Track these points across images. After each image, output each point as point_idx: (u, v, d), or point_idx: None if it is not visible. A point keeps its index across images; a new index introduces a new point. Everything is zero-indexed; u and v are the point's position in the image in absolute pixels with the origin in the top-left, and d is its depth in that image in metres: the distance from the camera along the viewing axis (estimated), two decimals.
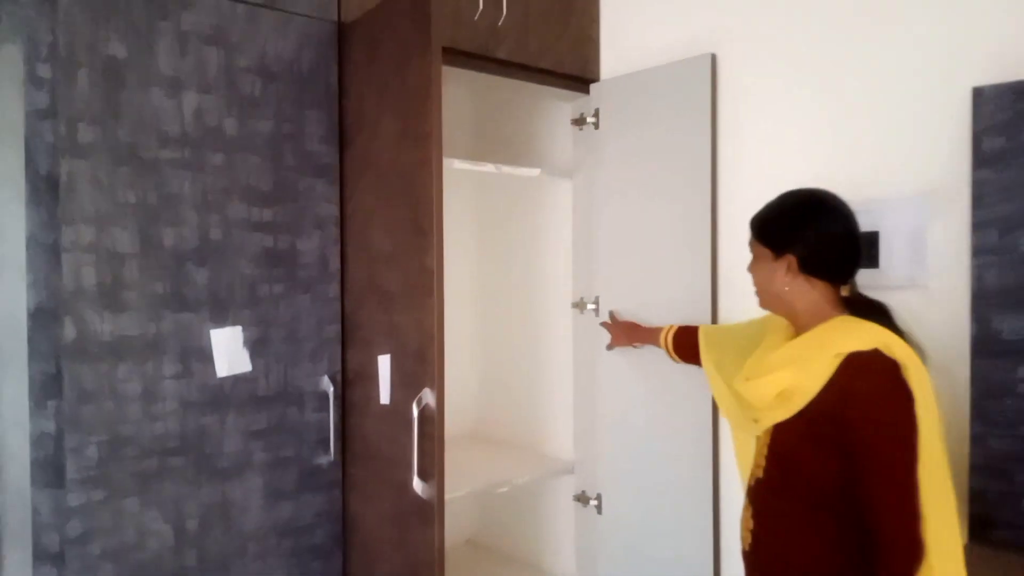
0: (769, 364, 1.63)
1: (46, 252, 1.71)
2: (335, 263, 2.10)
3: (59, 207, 1.70)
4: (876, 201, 1.99)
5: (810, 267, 1.59)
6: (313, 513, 2.06)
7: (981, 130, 1.80)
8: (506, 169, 2.56)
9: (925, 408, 1.46)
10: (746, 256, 1.83)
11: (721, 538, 2.27)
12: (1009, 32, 1.79)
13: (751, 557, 1.66)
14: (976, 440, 1.80)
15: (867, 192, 2.01)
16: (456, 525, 3.16)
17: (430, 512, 1.74)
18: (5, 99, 1.73)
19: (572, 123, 2.72)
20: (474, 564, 2.99)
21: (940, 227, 1.91)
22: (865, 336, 1.50)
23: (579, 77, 2.63)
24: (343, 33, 2.10)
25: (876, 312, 1.61)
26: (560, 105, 2.80)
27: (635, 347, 2.45)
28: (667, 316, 2.35)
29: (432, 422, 1.75)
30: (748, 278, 1.74)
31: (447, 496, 2.28)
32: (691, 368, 2.17)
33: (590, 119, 2.63)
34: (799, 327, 1.64)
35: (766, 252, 1.64)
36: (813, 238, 1.59)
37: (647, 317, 2.43)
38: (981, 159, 1.80)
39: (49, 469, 1.71)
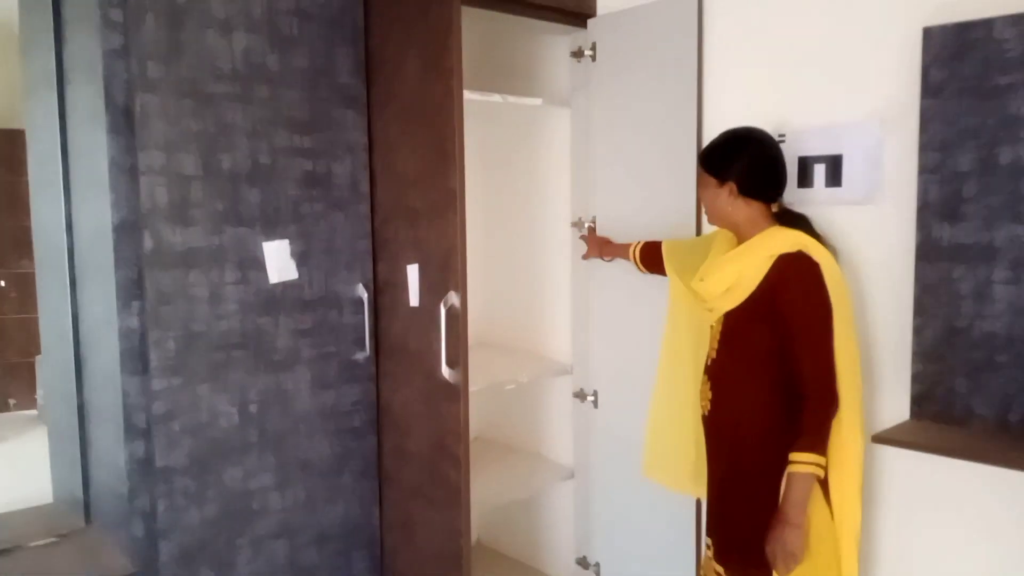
0: (718, 265, 2.07)
1: (125, 174, 1.99)
2: (364, 185, 2.39)
3: (135, 135, 1.98)
4: (840, 126, 2.28)
5: (747, 190, 2.02)
6: (352, 400, 2.40)
7: (928, 64, 2.08)
8: (511, 99, 2.83)
9: (835, 295, 1.93)
10: None
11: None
12: None
13: (709, 419, 2.08)
14: (917, 331, 2.13)
15: (832, 119, 2.29)
16: None
17: (456, 393, 2.08)
18: (85, 41, 1.99)
19: (571, 55, 2.96)
20: (482, 456, 3.35)
21: (893, 149, 2.20)
22: (791, 241, 1.95)
23: (577, 12, 2.86)
24: None
25: (800, 222, 2.06)
26: (560, 39, 3.04)
27: (605, 260, 2.78)
28: (656, 233, 2.64)
29: (457, 319, 2.07)
30: None
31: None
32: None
33: (587, 52, 2.88)
34: (740, 237, 2.07)
35: (711, 180, 2.07)
36: (747, 168, 2.02)
37: (639, 234, 2.72)
38: (927, 89, 2.08)
39: (136, 359, 2.03)
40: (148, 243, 2.00)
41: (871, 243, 2.24)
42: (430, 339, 2.17)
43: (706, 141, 2.56)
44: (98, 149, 1.98)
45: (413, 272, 2.23)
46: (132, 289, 2.01)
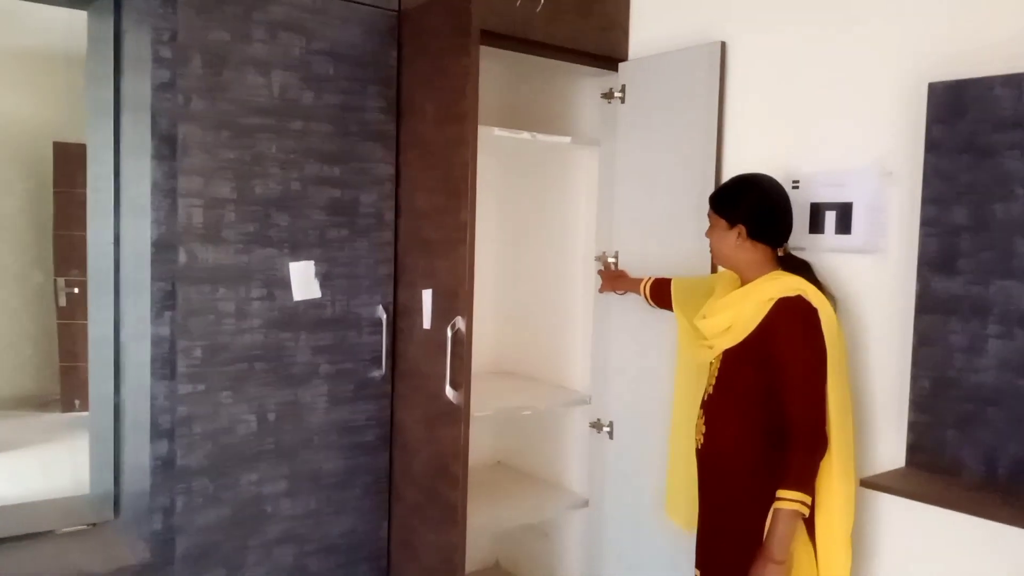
0: (721, 306, 2.14)
1: (166, 196, 2.19)
2: (389, 215, 2.54)
3: (176, 162, 2.17)
4: (850, 176, 2.33)
5: (755, 234, 2.09)
6: (366, 417, 2.54)
7: (932, 120, 2.13)
8: (540, 137, 2.96)
9: (831, 341, 1.98)
10: None
11: None
12: (959, 34, 2.11)
13: (701, 453, 2.13)
14: (913, 379, 2.16)
15: (843, 168, 2.35)
16: (487, 448, 3.63)
17: (458, 414, 2.19)
18: (138, 75, 2.20)
19: (601, 96, 3.08)
20: (502, 481, 3.45)
21: (899, 201, 2.25)
22: (791, 285, 2.01)
23: (608, 56, 2.98)
24: (401, 21, 2.51)
25: (802, 267, 2.12)
26: (591, 81, 3.16)
27: (618, 294, 2.87)
28: (675, 269, 2.71)
29: (462, 343, 2.19)
30: None
31: (477, 414, 2.75)
32: None
33: (617, 94, 2.99)
34: (744, 279, 2.14)
35: (721, 222, 2.14)
36: (758, 212, 2.09)
37: (658, 269, 2.80)
38: (930, 144, 2.13)
39: (165, 365, 2.21)
40: (182, 259, 2.18)
41: (875, 291, 2.28)
42: (438, 362, 2.29)
43: None
44: (143, 172, 2.18)
45: (427, 297, 2.37)
46: (165, 301, 2.19)
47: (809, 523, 2.03)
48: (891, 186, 2.26)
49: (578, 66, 2.97)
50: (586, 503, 3.14)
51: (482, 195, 3.26)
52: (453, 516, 2.23)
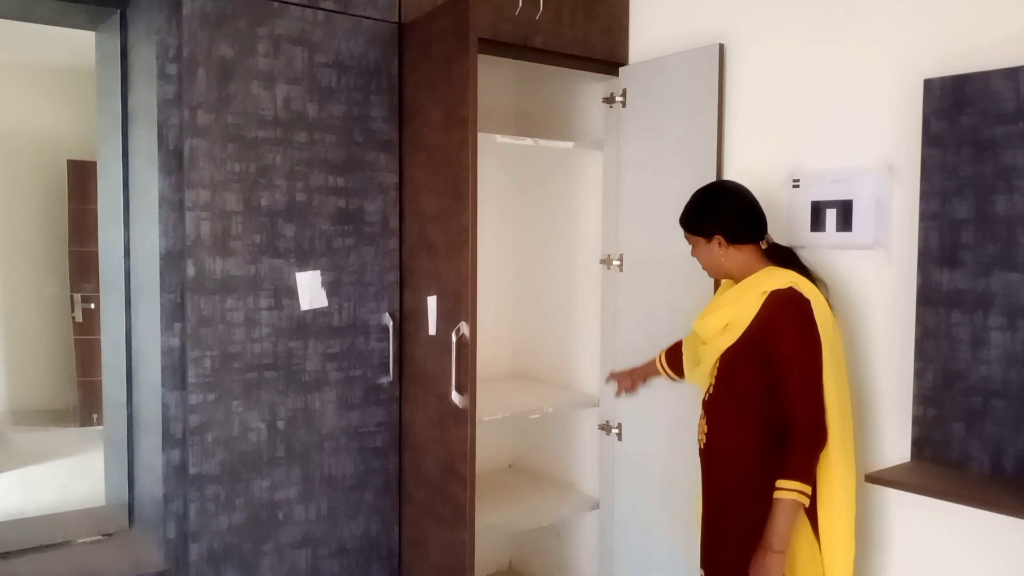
0: (716, 305, 2.19)
1: (173, 209, 2.23)
2: (394, 222, 2.58)
3: (183, 175, 2.22)
4: (850, 173, 2.35)
5: (734, 238, 2.13)
6: (375, 421, 2.57)
7: (929, 115, 2.14)
8: (543, 142, 2.99)
9: (825, 330, 2.01)
10: None
11: None
12: (955, 31, 2.12)
13: (705, 451, 2.15)
14: (917, 374, 2.17)
15: (843, 165, 2.37)
16: (499, 451, 3.65)
17: (464, 417, 2.22)
18: (145, 90, 2.25)
19: (603, 101, 3.11)
20: (515, 483, 3.47)
21: (899, 196, 2.26)
22: (782, 278, 2.06)
23: (608, 61, 3.01)
24: (403, 32, 2.55)
25: (788, 256, 2.17)
26: (593, 86, 3.19)
27: (641, 386, 2.67)
28: (681, 270, 2.72)
29: (467, 347, 2.22)
30: None
31: (487, 417, 2.78)
32: None
33: (618, 98, 3.02)
34: (738, 281, 2.17)
35: (699, 239, 2.18)
36: (729, 217, 2.13)
37: (662, 272, 2.82)
38: (928, 139, 2.14)
39: (176, 374, 2.25)
40: (191, 270, 2.22)
41: (878, 286, 2.30)
42: (444, 365, 2.32)
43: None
44: (151, 186, 2.23)
45: (432, 302, 2.40)
46: (175, 311, 2.24)
47: (812, 516, 2.04)
48: (892, 182, 2.27)
49: (580, 71, 3.00)
50: (597, 504, 3.16)
51: (489, 201, 3.31)
52: (462, 516, 2.25)
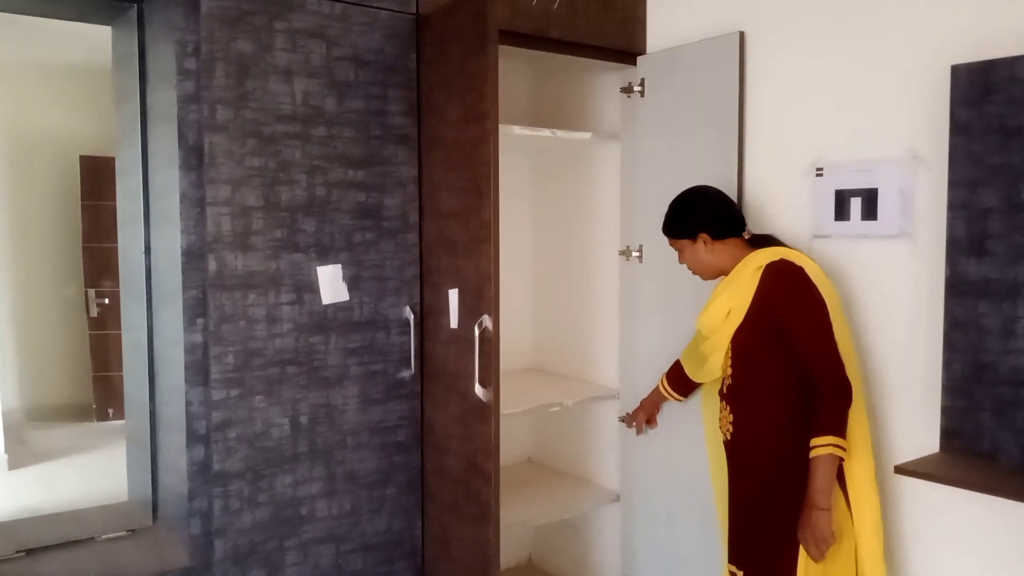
0: (714, 296, 2.24)
1: (194, 206, 2.22)
2: (414, 216, 2.56)
3: (203, 171, 2.21)
4: (875, 161, 2.32)
5: (718, 234, 2.22)
6: (397, 417, 2.56)
7: (956, 102, 2.11)
8: (560, 134, 2.97)
9: (825, 294, 2.08)
10: (767, 211, 2.50)
11: None
12: (983, 15, 2.09)
13: (731, 444, 2.15)
14: (946, 365, 2.14)
15: (867, 154, 2.34)
16: (517, 445, 3.65)
17: (488, 411, 2.21)
18: (164, 87, 2.24)
19: (621, 91, 3.08)
20: (533, 477, 3.46)
21: (926, 185, 2.23)
22: (771, 253, 2.14)
23: (626, 51, 2.98)
24: (420, 25, 2.53)
25: (770, 239, 2.25)
26: (610, 76, 3.16)
27: (658, 416, 2.83)
28: None
29: (490, 341, 2.21)
30: (761, 227, 2.36)
31: (507, 411, 2.77)
32: None
33: (637, 88, 2.99)
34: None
35: (684, 243, 2.27)
36: (708, 215, 2.23)
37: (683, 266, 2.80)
38: (955, 127, 2.11)
39: (198, 371, 2.24)
40: (212, 267, 2.22)
41: (902, 276, 2.27)
42: (466, 360, 2.31)
43: (748, 173, 2.66)
44: (171, 183, 2.22)
45: (453, 296, 2.38)
46: (197, 308, 2.23)
47: (840, 477, 2.06)
48: (917, 170, 2.24)
49: (597, 61, 2.97)
50: (617, 498, 3.14)
51: (507, 193, 3.28)
52: (486, 513, 2.25)
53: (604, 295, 3.27)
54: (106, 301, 5.54)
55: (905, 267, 2.27)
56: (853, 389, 2.03)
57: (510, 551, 3.59)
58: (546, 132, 2.94)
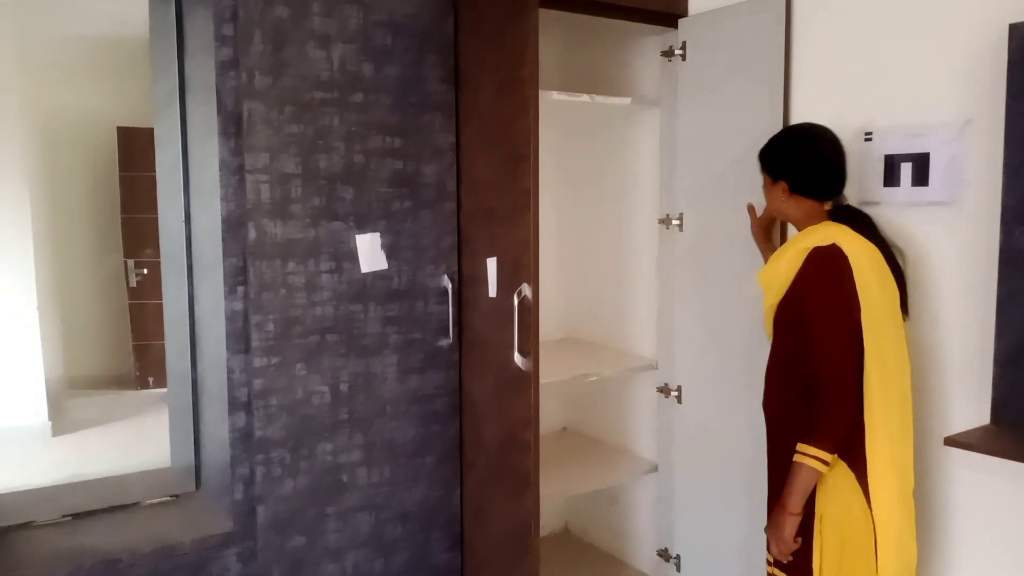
0: (773, 258, 2.12)
1: (234, 174, 2.22)
2: (451, 185, 2.54)
3: (242, 139, 2.20)
4: (926, 126, 2.25)
5: (798, 189, 2.06)
6: (435, 386, 2.56)
7: (1014, 63, 2.02)
8: (599, 99, 2.91)
9: (865, 288, 1.91)
10: None
11: None
12: None
13: (766, 420, 2.12)
14: (999, 336, 2.08)
15: (918, 118, 2.26)
16: (553, 415, 3.64)
17: (527, 381, 2.19)
18: (202, 56, 2.22)
19: (661, 55, 3.01)
20: (570, 447, 3.46)
21: (980, 150, 2.15)
22: (828, 235, 1.98)
23: (667, 13, 2.91)
24: None
25: (853, 217, 2.06)
26: (650, 39, 3.10)
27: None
28: (740, 231, 2.66)
29: (529, 310, 2.19)
30: None
31: (544, 380, 2.75)
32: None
33: (678, 51, 2.92)
34: (800, 230, 2.11)
35: (767, 178, 2.13)
36: (800, 168, 2.06)
37: (724, 231, 2.75)
38: (1013, 90, 2.03)
39: (239, 339, 2.25)
40: (252, 235, 2.22)
41: (954, 244, 2.20)
42: (505, 330, 2.29)
43: None
44: (211, 152, 2.22)
45: (492, 265, 2.36)
46: (237, 276, 2.23)
47: (863, 480, 1.94)
48: (970, 136, 2.16)
49: (637, 24, 2.90)
50: (655, 468, 3.13)
51: (543, 161, 3.24)
52: (526, 483, 2.24)
53: (642, 264, 3.23)
54: (145, 271, 5.60)
55: (957, 235, 2.20)
56: (883, 402, 1.91)
57: (546, 520, 3.60)
58: (584, 97, 2.88)
